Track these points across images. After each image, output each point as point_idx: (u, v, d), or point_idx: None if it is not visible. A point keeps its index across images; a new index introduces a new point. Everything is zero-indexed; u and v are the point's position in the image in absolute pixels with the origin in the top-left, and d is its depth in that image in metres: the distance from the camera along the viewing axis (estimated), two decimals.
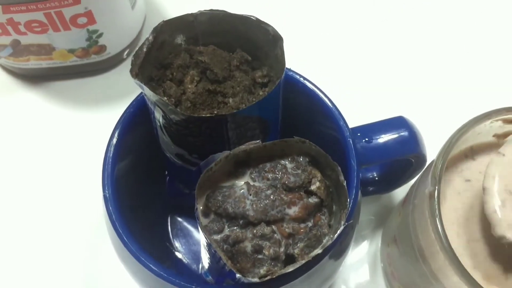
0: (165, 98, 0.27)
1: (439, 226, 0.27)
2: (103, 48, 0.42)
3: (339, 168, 0.26)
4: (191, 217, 0.38)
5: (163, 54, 0.29)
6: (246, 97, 0.28)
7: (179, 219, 0.38)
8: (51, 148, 0.42)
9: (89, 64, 0.43)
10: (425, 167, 0.33)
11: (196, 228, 0.38)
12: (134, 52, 0.44)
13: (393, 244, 0.34)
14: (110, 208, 0.28)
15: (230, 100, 0.28)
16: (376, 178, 0.37)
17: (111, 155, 0.30)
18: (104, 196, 0.29)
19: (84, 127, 0.43)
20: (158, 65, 0.29)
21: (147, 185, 0.35)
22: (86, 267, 0.38)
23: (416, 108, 0.44)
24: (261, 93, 0.28)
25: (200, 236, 0.37)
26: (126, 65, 0.46)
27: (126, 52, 0.45)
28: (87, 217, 0.39)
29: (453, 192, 0.31)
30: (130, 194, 0.31)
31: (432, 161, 0.30)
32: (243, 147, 0.26)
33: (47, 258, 0.38)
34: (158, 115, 0.27)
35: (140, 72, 0.26)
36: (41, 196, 0.40)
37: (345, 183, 0.25)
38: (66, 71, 0.44)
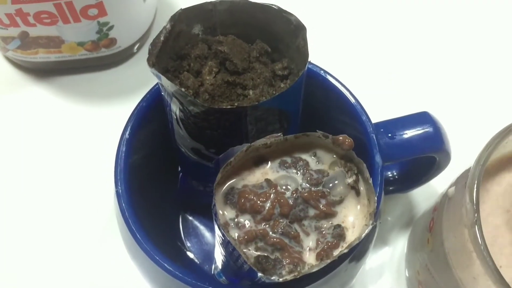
0: (183, 89, 0.26)
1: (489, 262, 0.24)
2: (113, 41, 0.41)
3: (365, 165, 0.24)
4: (203, 216, 0.37)
5: (180, 45, 0.27)
6: (267, 89, 0.27)
7: (191, 218, 0.37)
8: (60, 144, 0.41)
9: (98, 58, 0.42)
10: (456, 178, 0.31)
11: (208, 227, 0.37)
12: (145, 45, 0.43)
13: (425, 272, 0.32)
14: (123, 204, 0.27)
15: (250, 92, 0.26)
16: (396, 177, 0.36)
17: (123, 149, 0.28)
18: (117, 192, 0.27)
19: (93, 123, 0.42)
20: (174, 56, 0.27)
21: (159, 182, 0.34)
22: (95, 263, 0.37)
23: (439, 103, 0.43)
24: (282, 85, 0.27)
25: (214, 235, 0.36)
26: (136, 59, 0.45)
27: (136, 46, 0.44)
28: (96, 213, 0.38)
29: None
30: (142, 191, 0.30)
31: (465, 175, 0.27)
32: (263, 140, 0.25)
33: (56, 254, 0.37)
34: (175, 108, 0.26)
35: (156, 62, 0.25)
36: (50, 192, 0.39)
37: (371, 181, 0.24)
38: (75, 65, 0.43)
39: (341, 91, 0.30)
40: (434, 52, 0.46)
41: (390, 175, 0.36)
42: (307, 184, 0.25)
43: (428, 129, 0.30)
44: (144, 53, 0.46)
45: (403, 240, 0.38)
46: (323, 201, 0.25)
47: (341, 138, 0.25)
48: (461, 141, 0.35)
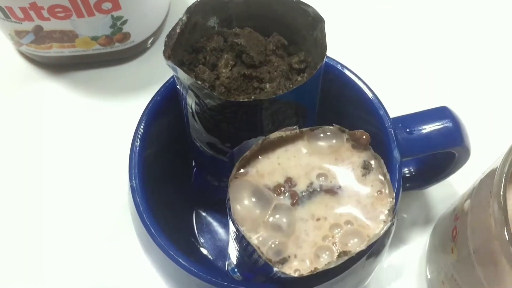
0: (199, 82, 0.25)
1: None
2: (127, 35, 0.41)
3: (383, 161, 0.24)
4: (217, 211, 0.37)
5: (195, 37, 0.27)
6: (283, 83, 0.26)
7: (204, 213, 0.37)
8: (74, 139, 0.41)
9: (112, 53, 0.42)
10: (477, 181, 0.29)
11: (222, 223, 0.37)
12: (158, 39, 0.43)
13: (452, 282, 0.30)
14: (138, 199, 0.27)
15: (267, 85, 0.26)
16: (413, 173, 0.35)
17: (138, 143, 0.28)
18: (131, 186, 0.27)
19: (107, 117, 0.42)
20: (189, 49, 0.27)
21: (173, 177, 0.34)
22: (108, 259, 0.37)
23: (458, 98, 0.42)
24: (299, 79, 0.27)
25: (228, 231, 0.36)
26: (150, 54, 0.45)
27: (150, 41, 0.43)
28: (109, 208, 0.38)
29: None
30: (156, 186, 0.30)
31: (487, 181, 0.26)
32: (278, 133, 0.24)
33: (69, 249, 0.37)
34: (191, 101, 0.26)
35: (172, 55, 0.25)
36: (64, 186, 0.39)
37: (389, 177, 0.24)
38: (89, 60, 0.43)
39: (358, 85, 0.30)
40: (454, 45, 0.45)
41: (407, 171, 0.35)
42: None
43: (448, 124, 0.29)
44: (157, 48, 0.46)
45: (421, 240, 0.37)
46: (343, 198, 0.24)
47: (357, 133, 0.24)
48: (479, 137, 0.34)
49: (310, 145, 0.25)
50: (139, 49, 0.43)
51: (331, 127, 0.25)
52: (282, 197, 0.24)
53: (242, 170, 0.24)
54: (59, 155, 0.40)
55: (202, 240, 0.36)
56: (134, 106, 0.42)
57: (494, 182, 0.25)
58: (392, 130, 0.28)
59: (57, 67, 0.44)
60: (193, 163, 0.36)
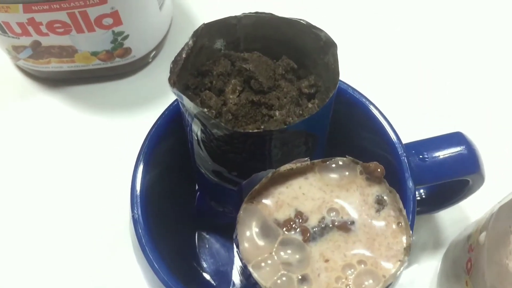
0: (206, 110, 0.24)
1: None
2: (128, 51, 0.39)
3: (398, 195, 0.23)
4: (220, 235, 0.36)
5: (201, 60, 0.26)
6: (293, 109, 0.25)
7: (207, 236, 0.36)
8: (72, 155, 0.40)
9: (112, 68, 0.41)
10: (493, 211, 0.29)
11: (225, 247, 0.35)
12: (160, 54, 0.42)
13: None
14: (140, 230, 0.26)
15: (277, 113, 0.25)
16: (424, 197, 0.34)
17: (139, 172, 0.27)
18: (133, 217, 0.26)
19: (107, 133, 0.40)
20: (195, 72, 0.26)
21: (176, 200, 0.33)
22: (107, 279, 0.35)
23: (468, 123, 0.41)
24: (309, 105, 0.26)
25: (230, 255, 0.35)
26: (151, 69, 0.43)
27: (151, 56, 0.42)
28: (108, 231, 0.37)
29: None
30: (159, 211, 0.28)
31: (506, 213, 0.25)
32: (288, 165, 0.23)
33: (66, 269, 0.36)
34: (196, 129, 0.24)
35: (177, 81, 0.23)
36: (59, 204, 0.38)
37: (405, 213, 0.23)
38: (88, 75, 0.41)
39: (370, 109, 0.29)
40: (465, 70, 0.43)
41: (418, 195, 0.34)
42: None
43: (463, 151, 0.28)
44: (159, 62, 0.44)
45: (431, 264, 0.36)
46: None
47: (372, 165, 0.23)
48: (491, 160, 0.33)
49: (321, 177, 0.24)
50: (140, 64, 0.42)
51: (344, 159, 0.23)
52: (293, 232, 0.23)
53: (251, 204, 0.23)
54: (56, 172, 0.39)
55: (204, 265, 0.35)
56: (135, 122, 0.42)
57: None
58: (405, 158, 0.27)
59: (55, 81, 0.42)
60: (197, 186, 0.35)
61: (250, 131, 0.23)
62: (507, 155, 0.39)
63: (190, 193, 0.35)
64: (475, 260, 0.28)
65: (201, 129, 0.24)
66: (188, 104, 0.23)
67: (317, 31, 0.25)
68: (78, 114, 0.42)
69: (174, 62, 0.24)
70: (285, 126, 0.23)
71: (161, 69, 0.44)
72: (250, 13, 0.25)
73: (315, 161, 0.23)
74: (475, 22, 0.46)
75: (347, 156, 0.23)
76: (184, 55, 0.24)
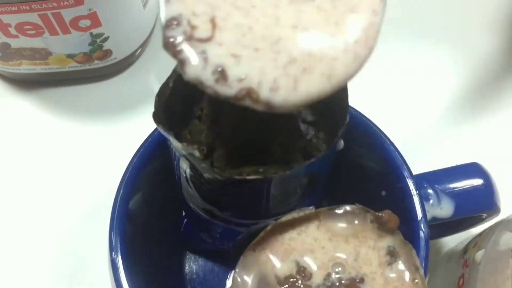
0: (196, 147, 0.21)
1: None
2: (108, 53, 0.36)
3: (415, 251, 0.20)
4: (208, 260, 0.33)
5: (190, 85, 0.23)
6: (295, 143, 0.22)
7: (194, 265, 0.33)
8: (44, 162, 0.36)
9: (91, 70, 0.37)
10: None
11: (213, 272, 0.33)
12: (144, 53, 0.38)
13: None
14: (120, 277, 0.23)
15: (277, 149, 0.22)
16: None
17: (117, 212, 0.24)
18: (112, 261, 0.23)
19: (85, 140, 0.37)
20: (181, 99, 0.23)
21: (161, 226, 0.30)
22: None
23: (483, 153, 0.37)
24: (314, 140, 0.23)
25: (220, 282, 0.32)
26: (133, 70, 0.40)
27: (134, 57, 0.38)
28: (80, 242, 0.34)
29: None
30: (142, 244, 0.26)
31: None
32: (291, 215, 0.20)
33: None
34: (185, 166, 0.21)
35: (164, 116, 0.20)
36: (29, 214, 0.34)
37: (423, 272, 0.20)
38: (64, 77, 0.38)
39: (378, 134, 0.26)
40: (476, 98, 0.40)
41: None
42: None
43: (480, 184, 0.25)
44: (142, 64, 0.41)
45: None
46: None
47: (384, 215, 0.21)
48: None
49: (327, 227, 0.21)
50: (123, 65, 0.38)
51: (354, 206, 0.21)
52: None
53: (248, 257, 0.20)
54: (26, 181, 0.36)
55: None
56: (114, 129, 0.38)
57: None
58: (417, 197, 0.24)
59: (28, 83, 0.38)
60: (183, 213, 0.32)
61: (247, 177, 0.20)
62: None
63: (177, 217, 0.32)
64: (468, 278, 0.25)
65: (190, 167, 0.21)
66: (177, 145, 0.20)
67: None
68: (52, 119, 0.38)
69: (159, 94, 0.20)
70: (288, 172, 0.20)
71: (146, 68, 0.40)
72: None
73: (321, 209, 0.21)
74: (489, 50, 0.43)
75: (356, 204, 0.21)
76: (171, 84, 0.21)
